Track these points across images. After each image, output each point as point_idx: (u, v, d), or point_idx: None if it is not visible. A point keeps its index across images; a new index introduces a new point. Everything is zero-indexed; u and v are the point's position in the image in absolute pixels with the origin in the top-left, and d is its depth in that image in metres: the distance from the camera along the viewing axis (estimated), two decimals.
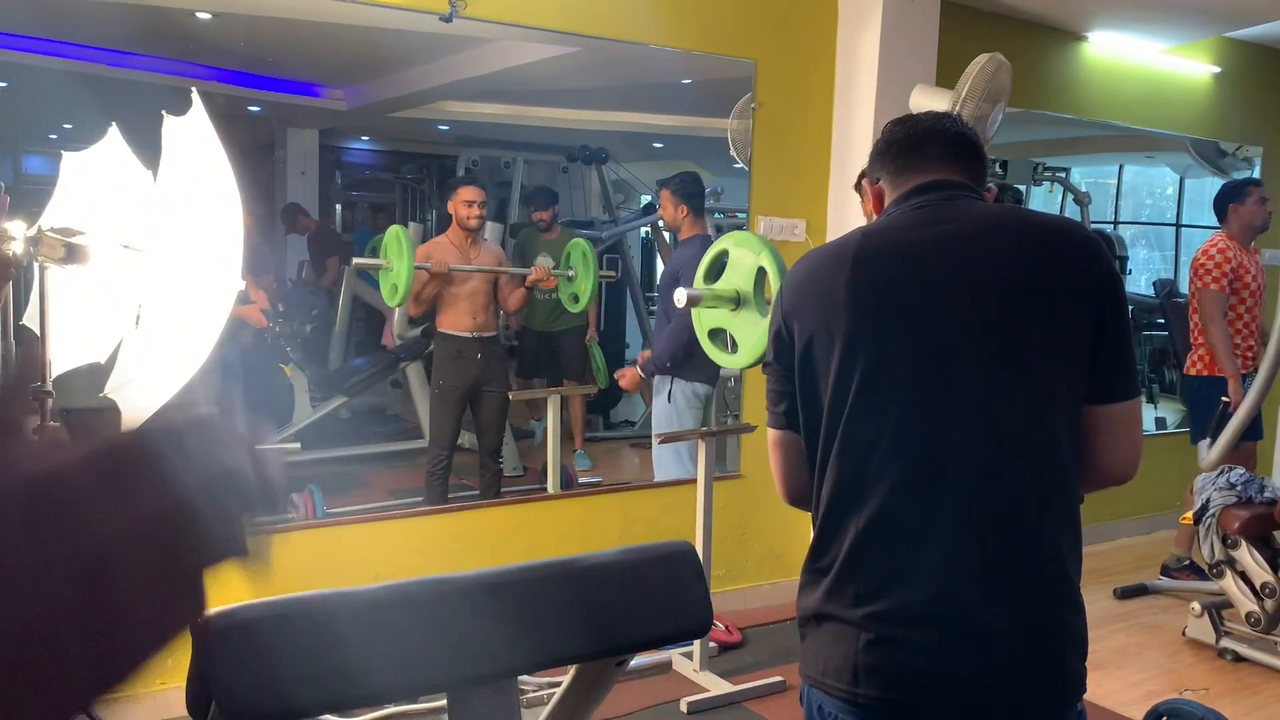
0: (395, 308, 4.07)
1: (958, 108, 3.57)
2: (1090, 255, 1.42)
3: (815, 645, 1.46)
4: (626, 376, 4.12)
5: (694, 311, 2.53)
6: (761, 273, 2.41)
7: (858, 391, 1.40)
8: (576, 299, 4.34)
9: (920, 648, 1.36)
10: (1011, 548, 1.37)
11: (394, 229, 3.92)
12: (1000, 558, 1.36)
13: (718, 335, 2.55)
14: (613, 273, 4.87)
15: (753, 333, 2.39)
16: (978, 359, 1.38)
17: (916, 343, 1.39)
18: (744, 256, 2.46)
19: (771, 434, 1.57)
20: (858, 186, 3.51)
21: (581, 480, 4.41)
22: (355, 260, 4.11)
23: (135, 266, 2.07)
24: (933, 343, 1.39)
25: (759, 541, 4.21)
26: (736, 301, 2.41)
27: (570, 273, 4.33)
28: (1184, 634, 4.03)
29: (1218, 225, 4.66)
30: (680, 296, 2.42)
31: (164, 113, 2.05)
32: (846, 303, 1.42)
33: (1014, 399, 1.38)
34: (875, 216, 1.59)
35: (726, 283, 2.48)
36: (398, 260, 3.87)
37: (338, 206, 5.04)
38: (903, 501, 1.38)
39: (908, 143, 1.56)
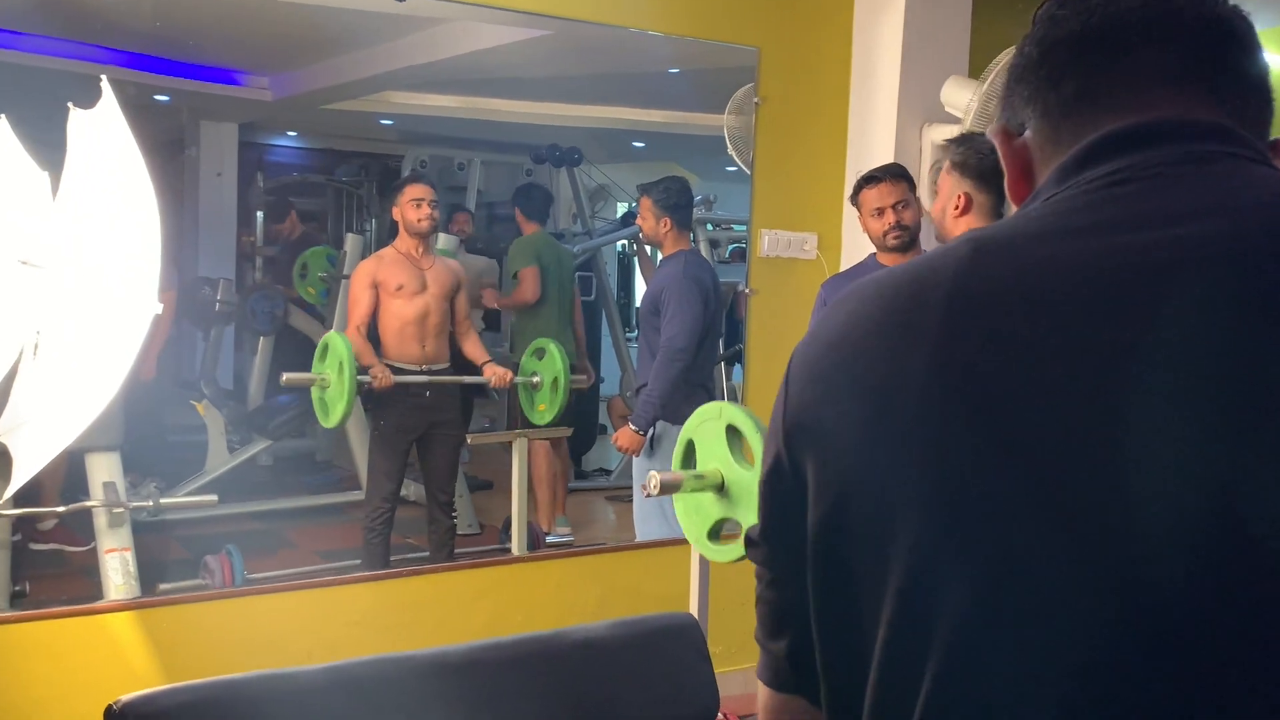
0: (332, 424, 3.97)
1: (979, 102, 3.60)
2: None
3: None
4: (623, 438, 4.10)
5: (682, 512, 2.57)
6: (732, 431, 2.41)
7: (959, 632, 0.73)
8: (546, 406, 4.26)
9: None
10: None
11: (330, 335, 3.86)
12: None
13: (716, 533, 2.59)
14: (584, 377, 4.70)
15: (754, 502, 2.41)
16: (1253, 573, 0.66)
17: (1100, 526, 0.70)
18: (708, 431, 2.40)
19: (764, 695, 0.93)
20: (854, 199, 3.54)
21: (550, 540, 4.41)
22: (285, 376, 3.98)
23: (33, 286, 2.07)
24: (1137, 526, 0.68)
25: None
26: (720, 486, 2.42)
27: (535, 378, 4.24)
28: None
29: None
30: (653, 482, 2.42)
31: (70, 105, 2.07)
32: (929, 418, 0.76)
33: None
34: (1013, 207, 0.91)
35: (703, 467, 2.48)
36: (336, 375, 3.74)
37: (259, 214, 5.05)
38: None
39: (1091, 37, 0.86)
